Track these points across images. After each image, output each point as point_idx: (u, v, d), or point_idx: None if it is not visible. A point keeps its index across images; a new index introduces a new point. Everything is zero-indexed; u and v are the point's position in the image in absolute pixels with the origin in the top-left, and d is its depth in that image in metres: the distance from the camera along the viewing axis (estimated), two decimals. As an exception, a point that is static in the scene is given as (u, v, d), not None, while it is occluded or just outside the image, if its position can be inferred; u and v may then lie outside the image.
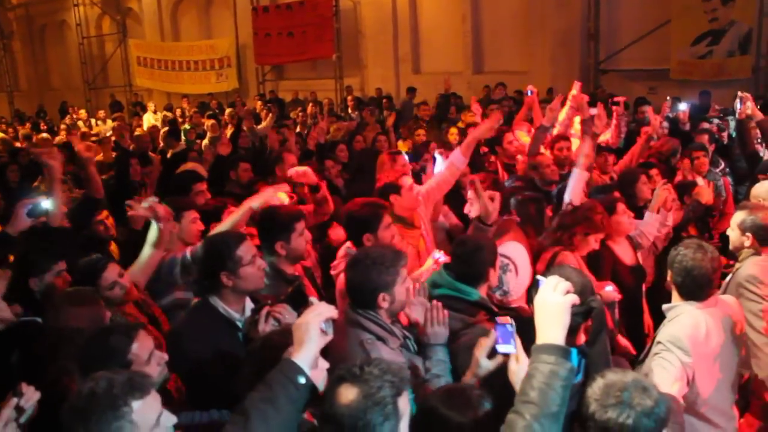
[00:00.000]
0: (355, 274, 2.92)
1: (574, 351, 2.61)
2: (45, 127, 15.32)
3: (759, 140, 6.32)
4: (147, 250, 3.81)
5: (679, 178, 5.97)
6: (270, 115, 11.44)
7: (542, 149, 6.06)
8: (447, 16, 16.00)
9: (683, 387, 2.91)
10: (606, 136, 6.89)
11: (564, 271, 2.65)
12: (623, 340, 4.09)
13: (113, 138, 10.65)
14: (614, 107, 7.22)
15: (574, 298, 2.13)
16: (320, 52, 17.35)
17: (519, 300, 3.70)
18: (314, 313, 2.07)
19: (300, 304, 2.79)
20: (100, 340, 2.50)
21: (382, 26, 16.85)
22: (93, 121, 16.45)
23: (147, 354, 2.50)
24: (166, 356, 2.60)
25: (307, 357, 2.01)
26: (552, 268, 2.99)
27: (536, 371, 2.03)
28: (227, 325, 3.07)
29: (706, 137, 6.88)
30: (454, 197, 5.31)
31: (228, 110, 13.24)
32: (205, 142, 10.20)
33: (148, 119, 15.81)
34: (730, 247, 3.92)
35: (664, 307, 3.19)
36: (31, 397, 2.29)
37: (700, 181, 5.74)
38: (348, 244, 3.99)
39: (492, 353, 2.55)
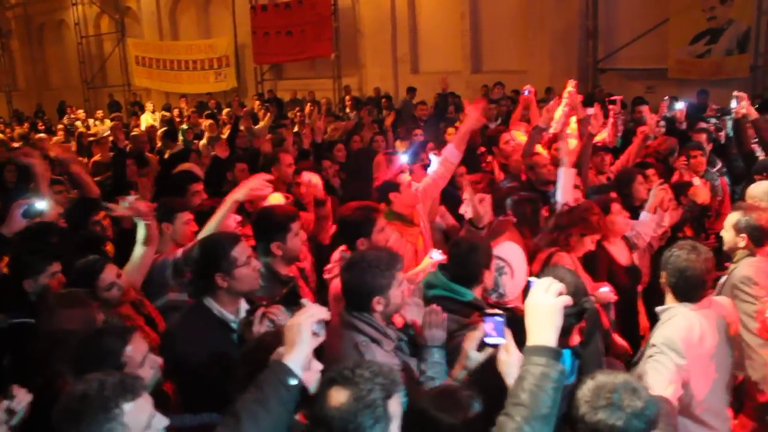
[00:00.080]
0: (350, 276, 2.92)
1: (567, 352, 2.62)
2: (43, 126, 15.31)
3: (755, 140, 6.31)
4: (138, 250, 3.82)
5: (676, 177, 5.97)
6: (268, 114, 11.44)
7: (540, 149, 6.05)
8: (445, 16, 16.00)
9: (678, 389, 2.90)
10: (603, 135, 6.89)
11: (557, 271, 2.66)
12: (620, 340, 4.09)
13: (111, 138, 10.64)
14: (611, 106, 7.22)
15: (566, 300, 2.12)
16: (319, 52, 17.36)
17: (515, 300, 3.71)
18: (306, 314, 2.07)
19: (295, 305, 2.79)
20: (95, 342, 2.49)
21: (381, 25, 16.85)
22: (91, 121, 16.44)
23: (141, 357, 2.50)
24: (159, 359, 2.60)
25: (299, 358, 2.01)
26: (545, 269, 2.99)
27: (527, 373, 2.03)
28: (222, 327, 3.06)
29: (704, 136, 6.88)
30: (451, 198, 5.31)
31: (226, 110, 13.23)
32: (203, 142, 10.20)
33: (146, 119, 15.80)
34: (725, 248, 3.91)
35: (658, 309, 3.19)
36: (22, 399, 2.29)
37: (696, 180, 5.73)
38: (342, 247, 3.97)
39: (481, 346, 2.54)
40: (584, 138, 5.93)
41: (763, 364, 3.54)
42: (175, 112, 15.91)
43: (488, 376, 2.35)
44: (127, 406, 1.90)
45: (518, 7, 14.80)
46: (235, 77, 19.69)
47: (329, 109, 14.05)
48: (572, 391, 2.06)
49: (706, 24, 12.64)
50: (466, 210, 4.34)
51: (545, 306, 2.10)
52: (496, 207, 4.41)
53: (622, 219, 4.54)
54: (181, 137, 11.04)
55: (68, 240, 4.43)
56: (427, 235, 4.70)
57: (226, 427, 1.99)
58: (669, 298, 3.16)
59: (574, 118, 6.63)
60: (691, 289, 3.06)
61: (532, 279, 2.25)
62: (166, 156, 9.19)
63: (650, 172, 5.58)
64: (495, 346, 2.38)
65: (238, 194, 3.95)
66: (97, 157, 9.43)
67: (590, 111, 6.05)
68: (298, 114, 12.53)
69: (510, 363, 2.24)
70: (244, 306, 3.17)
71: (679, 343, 2.94)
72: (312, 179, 4.85)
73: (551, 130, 6.37)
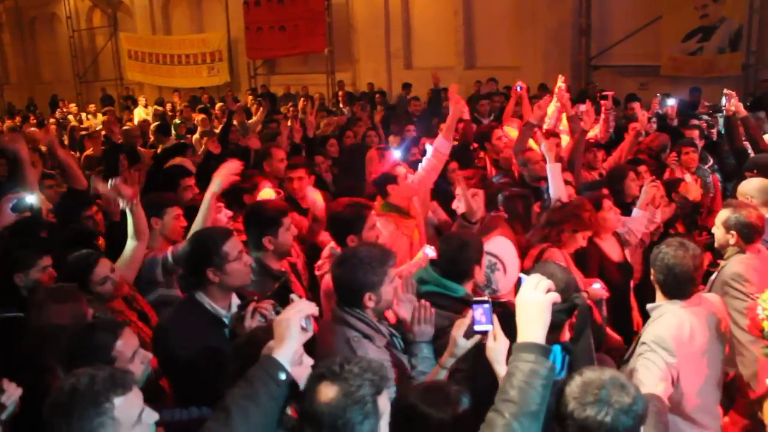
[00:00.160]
0: (342, 272, 2.92)
1: (557, 348, 2.63)
2: (35, 120, 15.22)
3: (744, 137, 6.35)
4: (130, 244, 3.83)
5: (668, 174, 5.99)
6: (261, 109, 11.40)
7: (533, 145, 6.06)
8: (439, 11, 15.99)
9: (668, 387, 2.91)
10: (595, 132, 6.90)
11: (547, 268, 2.66)
12: (614, 334, 4.10)
13: (103, 132, 10.59)
14: (602, 101, 7.24)
15: (555, 296, 2.13)
16: (312, 47, 17.29)
17: (508, 295, 3.72)
18: (295, 309, 2.07)
19: (287, 300, 2.79)
20: (85, 337, 2.49)
21: (374, 21, 16.81)
22: (83, 115, 16.35)
23: (131, 352, 2.49)
24: (150, 355, 2.60)
25: (288, 353, 2.01)
26: (536, 265, 3.00)
27: (516, 370, 2.03)
28: (213, 322, 3.07)
29: (696, 133, 6.91)
30: (443, 193, 5.32)
31: (219, 104, 13.18)
32: (196, 136, 10.16)
33: (139, 113, 15.72)
34: (716, 244, 3.93)
35: (649, 306, 3.19)
36: (12, 393, 2.29)
37: (688, 177, 5.76)
38: (332, 244, 3.96)
39: (470, 333, 2.54)
40: (576, 134, 5.95)
41: (754, 361, 3.54)
42: (168, 106, 15.82)
43: (483, 373, 2.34)
44: (118, 401, 1.90)
45: (511, 3, 14.80)
46: (228, 72, 19.60)
47: (322, 104, 14.01)
48: (562, 387, 2.07)
49: (699, 22, 12.67)
50: (459, 205, 4.35)
51: (534, 303, 2.11)
52: (487, 203, 4.42)
53: (614, 215, 4.55)
54: (173, 132, 10.99)
55: (58, 234, 4.42)
56: (422, 228, 4.71)
57: (216, 421, 2.00)
58: (659, 295, 3.16)
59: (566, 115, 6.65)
60: (680, 286, 3.06)
61: (522, 276, 2.25)
62: (159, 150, 9.14)
63: (642, 168, 5.60)
64: (483, 333, 2.38)
65: (214, 186, 3.96)
66: (89, 151, 9.41)
67: (582, 108, 6.07)
68: (291, 109, 12.49)
69: (498, 350, 2.25)
70: (235, 301, 3.18)
71: (670, 341, 2.94)
72: (318, 201, 4.70)
73: (544, 126, 6.39)
